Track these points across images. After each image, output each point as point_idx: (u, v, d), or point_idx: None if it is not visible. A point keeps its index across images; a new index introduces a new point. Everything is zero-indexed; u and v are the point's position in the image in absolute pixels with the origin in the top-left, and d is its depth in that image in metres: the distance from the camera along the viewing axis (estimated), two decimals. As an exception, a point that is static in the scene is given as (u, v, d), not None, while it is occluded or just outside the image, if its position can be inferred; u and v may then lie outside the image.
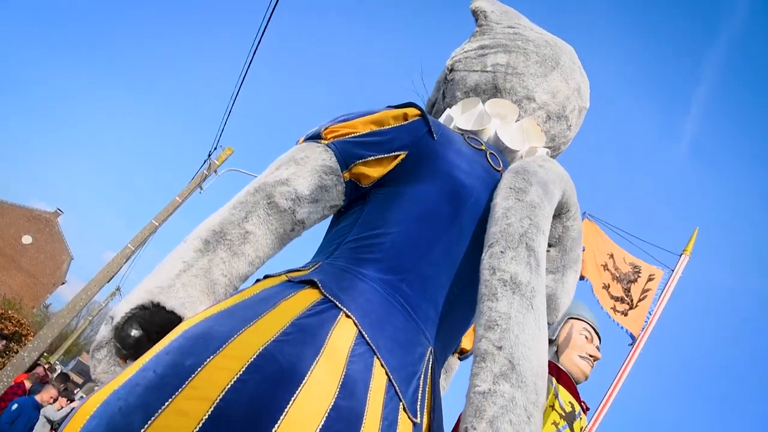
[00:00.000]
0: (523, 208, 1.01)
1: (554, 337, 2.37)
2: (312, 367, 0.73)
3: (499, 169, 1.18)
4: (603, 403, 1.73)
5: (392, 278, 0.96)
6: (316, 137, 1.08)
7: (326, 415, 0.71)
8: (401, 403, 0.84)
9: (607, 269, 2.52)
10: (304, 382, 0.71)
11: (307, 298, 0.85)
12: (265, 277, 0.96)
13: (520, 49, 1.35)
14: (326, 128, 1.08)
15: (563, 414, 1.97)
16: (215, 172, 10.91)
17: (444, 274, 1.02)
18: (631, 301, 2.42)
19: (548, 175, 1.11)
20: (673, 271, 2.29)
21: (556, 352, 2.32)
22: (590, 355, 2.26)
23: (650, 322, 2.01)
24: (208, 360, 0.71)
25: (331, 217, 1.14)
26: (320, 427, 0.70)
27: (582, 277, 2.56)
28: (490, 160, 1.19)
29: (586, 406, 2.17)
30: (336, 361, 0.77)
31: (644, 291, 2.44)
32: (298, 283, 0.90)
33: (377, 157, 1.06)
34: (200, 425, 0.64)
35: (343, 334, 0.81)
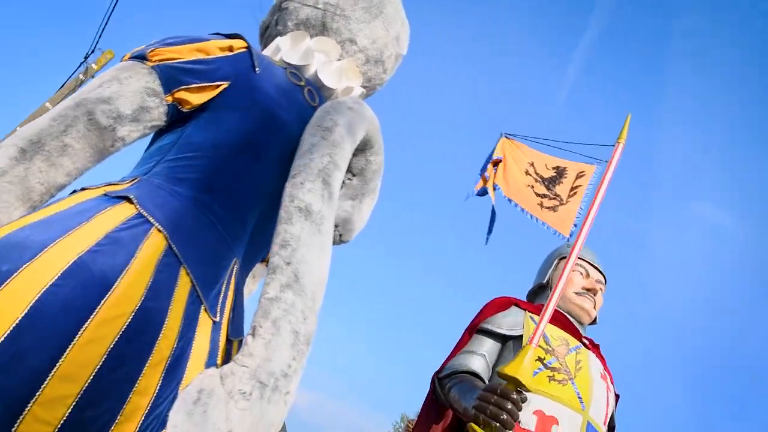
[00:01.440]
0: (326, 146, 1.18)
1: (546, 280, 2.37)
2: (122, 274, 0.87)
3: (315, 104, 1.33)
4: (546, 304, 1.75)
5: (205, 197, 1.10)
6: (141, 57, 1.13)
7: (133, 314, 0.86)
8: (203, 305, 1.02)
9: (529, 174, 2.45)
10: (114, 287, 0.85)
11: (122, 212, 0.97)
12: (83, 189, 1.04)
13: None
14: (152, 50, 1.13)
15: (551, 348, 1.95)
16: (92, 77, 9.58)
17: (253, 198, 1.18)
18: (559, 198, 2.33)
19: (355, 117, 1.28)
20: (607, 162, 1.93)
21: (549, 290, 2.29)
22: (586, 289, 2.21)
23: (587, 219, 1.86)
24: (23, 266, 0.81)
25: (153, 134, 1.22)
26: (127, 323, 0.85)
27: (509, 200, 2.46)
28: (307, 96, 1.34)
29: (593, 343, 2.14)
30: (144, 270, 0.91)
31: (573, 188, 2.32)
32: (114, 197, 1.00)
33: (200, 84, 1.14)
34: (14, 324, 0.76)
35: (152, 247, 0.95)
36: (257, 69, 1.22)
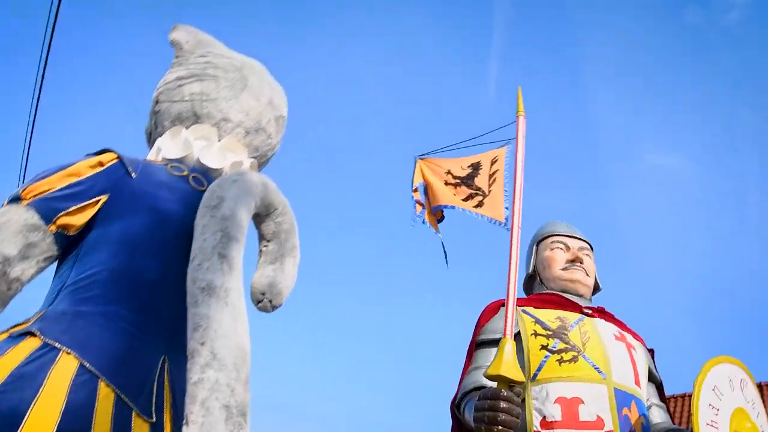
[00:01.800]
0: (216, 223, 1.23)
1: (531, 270, 2.35)
2: (31, 406, 0.90)
3: (203, 188, 1.39)
4: (510, 298, 1.73)
5: (113, 308, 1.14)
6: (16, 199, 1.18)
7: None
8: (133, 411, 1.05)
9: (449, 184, 2.44)
10: (24, 419, 0.88)
11: (26, 348, 1.00)
12: None
13: (210, 77, 1.55)
14: (24, 189, 1.19)
15: (551, 332, 1.93)
16: None
17: (165, 293, 1.23)
18: (481, 190, 2.33)
19: (242, 187, 1.34)
20: (513, 139, 2.06)
21: (541, 281, 2.28)
22: (570, 261, 2.18)
23: (515, 197, 1.86)
24: None
25: (56, 264, 1.27)
26: None
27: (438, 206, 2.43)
28: (192, 183, 1.40)
29: (601, 310, 2.10)
30: (56, 395, 0.94)
31: (491, 176, 2.30)
32: (17, 336, 1.04)
33: (78, 206, 1.20)
34: None
35: (63, 370, 0.98)
36: (133, 174, 1.29)
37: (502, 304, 2.16)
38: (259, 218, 1.49)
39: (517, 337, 1.99)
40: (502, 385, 1.60)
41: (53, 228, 1.18)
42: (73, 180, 1.22)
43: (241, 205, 1.31)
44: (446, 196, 2.34)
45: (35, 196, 1.18)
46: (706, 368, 1.66)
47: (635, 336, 2.16)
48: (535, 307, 2.08)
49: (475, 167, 2.37)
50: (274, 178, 1.52)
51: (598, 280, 2.37)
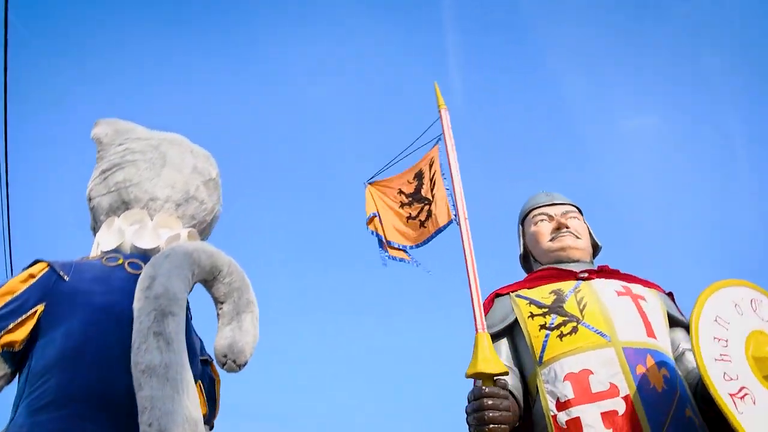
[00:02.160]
0: (149, 303, 1.26)
1: (522, 250, 2.31)
2: None
3: (140, 272, 1.42)
4: (474, 291, 1.71)
5: (66, 412, 1.18)
6: None
7: None
8: None
9: (404, 205, 2.43)
10: None
11: None
12: None
13: (130, 162, 1.60)
14: None
15: (546, 309, 1.86)
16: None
17: (115, 385, 1.25)
18: (427, 200, 2.31)
19: (174, 261, 1.37)
20: (441, 135, 2.08)
21: (534, 258, 2.23)
22: (555, 229, 2.13)
23: (455, 190, 1.89)
24: None
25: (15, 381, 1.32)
26: None
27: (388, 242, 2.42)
28: (129, 268, 1.44)
29: (598, 272, 2.02)
30: None
31: (432, 180, 2.30)
32: None
33: (17, 321, 1.25)
34: None
35: None
36: (65, 278, 1.33)
37: (493, 295, 2.11)
38: (207, 283, 1.51)
39: (517, 324, 1.95)
40: (486, 382, 1.55)
41: None
42: (9, 298, 1.27)
43: (175, 278, 1.33)
44: (399, 225, 2.36)
45: None
46: (701, 299, 1.54)
47: (647, 284, 2.03)
48: (529, 288, 2.02)
49: (419, 177, 2.36)
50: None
51: (596, 239, 2.28)
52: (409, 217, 2.33)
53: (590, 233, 2.27)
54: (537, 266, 2.21)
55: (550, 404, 1.73)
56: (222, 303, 1.51)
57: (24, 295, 1.29)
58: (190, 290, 1.43)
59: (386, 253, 2.36)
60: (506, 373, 1.58)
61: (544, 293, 1.95)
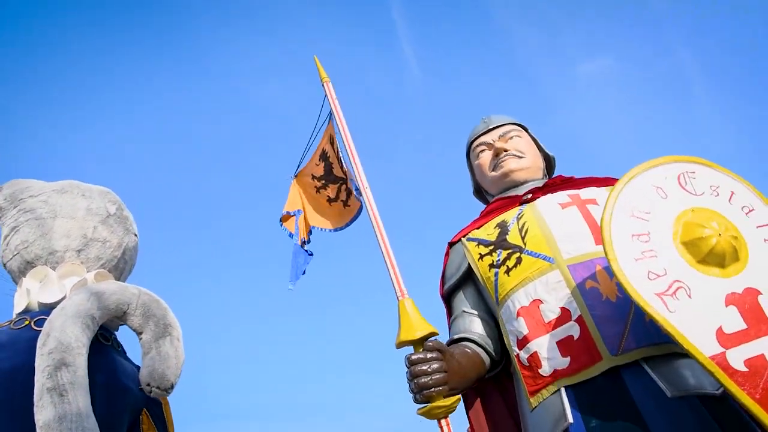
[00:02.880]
0: (44, 360, 1.28)
1: (475, 186, 2.20)
2: None
3: None
4: (387, 259, 1.66)
5: None
6: None
7: None
8: None
9: (320, 189, 2.36)
10: None
11: None
12: None
13: (23, 223, 1.64)
14: None
15: (492, 246, 1.75)
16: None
17: None
18: (342, 179, 2.23)
19: (68, 311, 1.39)
20: (327, 106, 2.03)
21: (486, 192, 2.11)
22: (494, 156, 1.98)
23: (352, 158, 1.86)
24: None
25: None
26: None
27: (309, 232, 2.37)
28: (35, 327, 1.47)
29: (539, 191, 1.83)
30: None
31: (337, 156, 2.23)
32: None
33: None
34: None
35: None
36: None
37: (448, 245, 2.00)
38: (120, 319, 1.53)
39: (472, 271, 1.83)
40: (416, 348, 1.46)
41: None
42: None
43: (69, 328, 1.35)
44: (320, 209, 2.29)
45: None
46: (611, 195, 1.35)
47: (604, 182, 1.82)
48: (478, 227, 1.89)
49: (324, 157, 2.27)
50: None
51: (547, 150, 2.09)
52: (330, 200, 2.25)
53: (539, 147, 2.08)
54: (490, 200, 2.05)
55: (513, 344, 1.63)
56: (140, 333, 1.52)
57: None
58: (95, 332, 1.44)
59: (301, 250, 2.28)
60: (434, 334, 1.47)
61: (489, 229, 1.82)
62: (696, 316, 1.19)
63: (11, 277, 1.69)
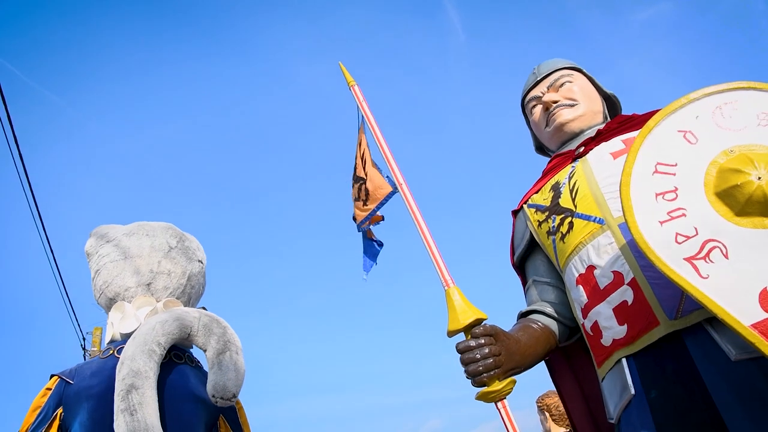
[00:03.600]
0: (119, 385, 1.48)
1: (536, 143, 2.05)
2: None
3: None
4: (431, 253, 1.65)
5: None
6: None
7: None
8: None
9: (353, 189, 2.33)
10: None
11: None
12: None
13: (102, 266, 1.85)
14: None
15: (547, 212, 1.65)
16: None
17: None
18: (363, 179, 2.24)
19: (137, 340, 1.56)
20: (359, 111, 1.96)
21: (548, 148, 1.97)
22: (544, 111, 1.84)
23: (387, 159, 1.81)
24: None
25: None
26: None
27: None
28: (117, 355, 1.66)
29: (592, 142, 1.67)
30: None
31: (363, 158, 2.20)
32: None
33: (45, 426, 1.56)
34: None
35: None
36: (71, 382, 1.61)
37: (515, 211, 1.91)
38: (187, 341, 1.68)
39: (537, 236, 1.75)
40: (466, 335, 1.44)
41: None
42: (36, 412, 1.60)
43: (139, 355, 1.53)
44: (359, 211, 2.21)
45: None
46: (630, 154, 1.18)
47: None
48: (537, 191, 1.78)
49: (359, 159, 2.22)
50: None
51: (606, 90, 1.87)
52: (355, 198, 2.24)
53: (597, 87, 1.86)
54: (551, 156, 1.88)
55: (578, 312, 1.54)
56: (205, 351, 1.67)
57: (46, 406, 1.60)
58: (162, 355, 1.60)
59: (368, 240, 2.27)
60: (481, 320, 1.43)
61: (545, 193, 1.71)
62: (735, 278, 1.01)
63: (105, 312, 1.91)
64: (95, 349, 13.04)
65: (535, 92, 1.89)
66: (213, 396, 1.58)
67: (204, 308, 1.94)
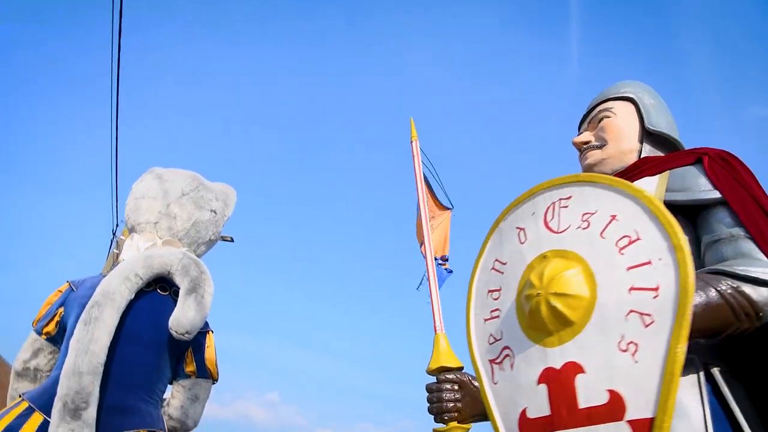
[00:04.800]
0: (90, 300, 1.86)
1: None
2: None
3: None
4: (431, 293, 1.89)
5: (57, 373, 1.82)
6: (37, 331, 2.05)
7: None
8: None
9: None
10: None
11: (18, 410, 1.76)
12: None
13: (130, 200, 2.26)
14: (34, 321, 2.06)
15: None
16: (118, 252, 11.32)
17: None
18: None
19: (117, 268, 1.94)
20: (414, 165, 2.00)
21: None
22: (580, 153, 1.74)
23: (422, 219, 1.91)
24: None
25: None
26: None
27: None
28: None
29: (640, 167, 1.56)
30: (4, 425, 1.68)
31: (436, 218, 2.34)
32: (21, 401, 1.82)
33: (48, 319, 2.01)
34: None
35: (19, 412, 1.74)
36: (75, 289, 2.03)
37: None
38: (167, 277, 2.02)
39: None
40: (439, 378, 1.52)
41: (43, 336, 2.03)
42: (48, 306, 2.06)
43: (115, 278, 1.89)
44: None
45: (35, 322, 2.06)
46: (483, 246, 1.21)
47: (673, 161, 1.43)
48: None
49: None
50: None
51: (649, 125, 1.60)
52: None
53: (641, 119, 1.64)
54: None
55: None
56: (179, 288, 1.99)
57: (54, 305, 2.05)
58: (137, 284, 1.93)
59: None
60: (457, 368, 1.49)
61: None
62: (511, 392, 1.09)
63: None
64: (119, 242, 13.65)
65: (584, 125, 1.75)
66: (170, 328, 1.88)
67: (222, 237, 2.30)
